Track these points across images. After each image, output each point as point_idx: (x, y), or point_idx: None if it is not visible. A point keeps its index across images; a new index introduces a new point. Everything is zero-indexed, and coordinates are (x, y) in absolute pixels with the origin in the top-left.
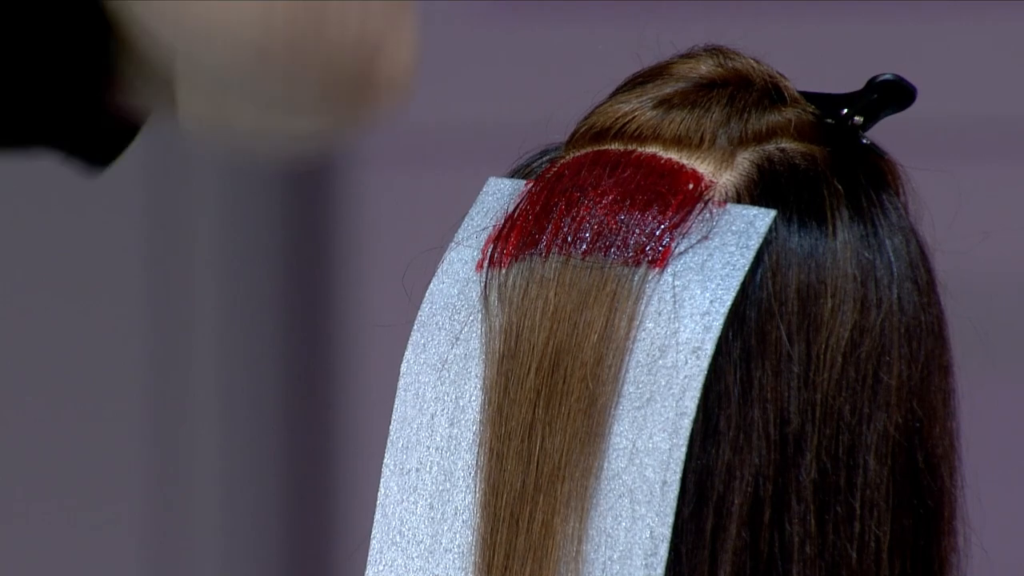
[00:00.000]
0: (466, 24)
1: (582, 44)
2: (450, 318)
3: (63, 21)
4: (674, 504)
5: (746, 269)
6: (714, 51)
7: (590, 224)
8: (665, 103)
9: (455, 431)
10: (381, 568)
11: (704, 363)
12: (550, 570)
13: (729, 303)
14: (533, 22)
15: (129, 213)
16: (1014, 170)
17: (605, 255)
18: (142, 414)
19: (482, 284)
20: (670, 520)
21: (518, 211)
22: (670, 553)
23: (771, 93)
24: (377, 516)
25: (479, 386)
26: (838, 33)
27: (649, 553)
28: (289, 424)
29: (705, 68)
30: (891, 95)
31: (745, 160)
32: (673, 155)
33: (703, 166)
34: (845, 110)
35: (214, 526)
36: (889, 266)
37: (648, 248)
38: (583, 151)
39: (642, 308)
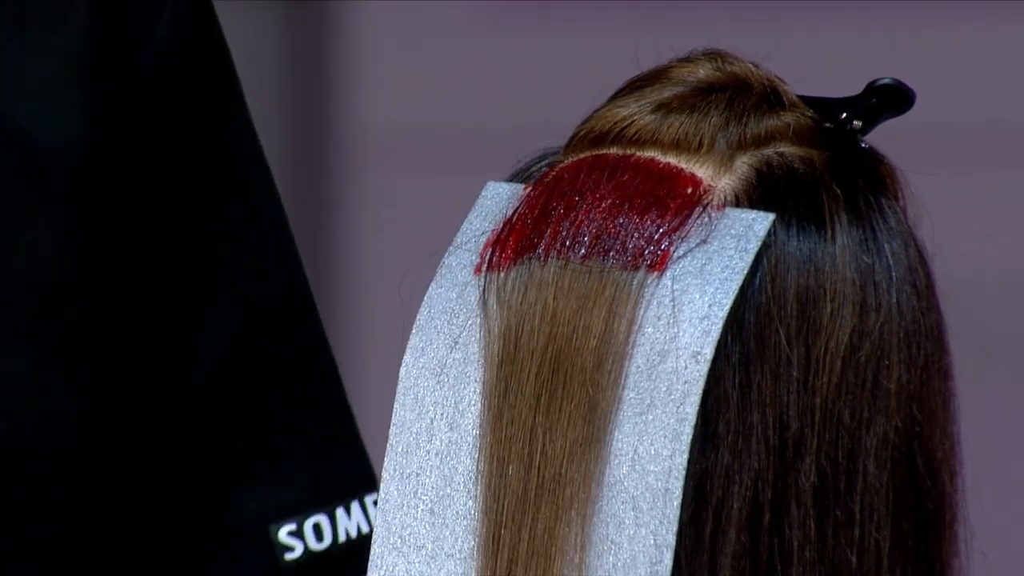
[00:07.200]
0: (465, 27)
1: (581, 48)
2: (448, 322)
3: None
4: (677, 511)
5: (745, 273)
6: (712, 55)
7: (588, 228)
8: (664, 107)
9: (455, 436)
10: (382, 573)
11: (704, 368)
12: None
13: (728, 307)
14: (532, 26)
15: None
16: (1013, 174)
17: (604, 259)
18: None
19: (480, 288)
20: (674, 528)
21: (516, 215)
22: None
23: (769, 97)
24: (377, 521)
25: (478, 390)
26: (837, 37)
27: (654, 561)
28: None
29: (704, 72)
30: (890, 99)
31: (744, 164)
32: (672, 159)
33: (702, 170)
34: (844, 114)
35: None
36: (888, 270)
37: (647, 252)
38: (582, 155)
39: (641, 312)
